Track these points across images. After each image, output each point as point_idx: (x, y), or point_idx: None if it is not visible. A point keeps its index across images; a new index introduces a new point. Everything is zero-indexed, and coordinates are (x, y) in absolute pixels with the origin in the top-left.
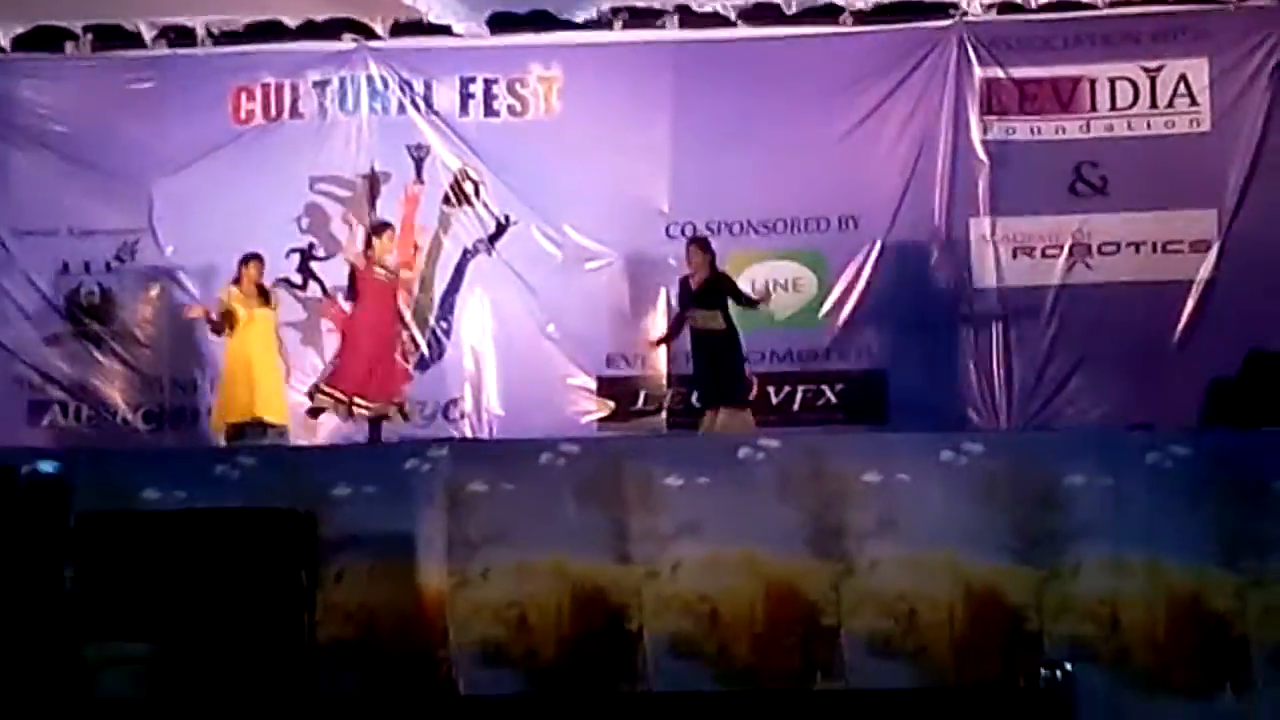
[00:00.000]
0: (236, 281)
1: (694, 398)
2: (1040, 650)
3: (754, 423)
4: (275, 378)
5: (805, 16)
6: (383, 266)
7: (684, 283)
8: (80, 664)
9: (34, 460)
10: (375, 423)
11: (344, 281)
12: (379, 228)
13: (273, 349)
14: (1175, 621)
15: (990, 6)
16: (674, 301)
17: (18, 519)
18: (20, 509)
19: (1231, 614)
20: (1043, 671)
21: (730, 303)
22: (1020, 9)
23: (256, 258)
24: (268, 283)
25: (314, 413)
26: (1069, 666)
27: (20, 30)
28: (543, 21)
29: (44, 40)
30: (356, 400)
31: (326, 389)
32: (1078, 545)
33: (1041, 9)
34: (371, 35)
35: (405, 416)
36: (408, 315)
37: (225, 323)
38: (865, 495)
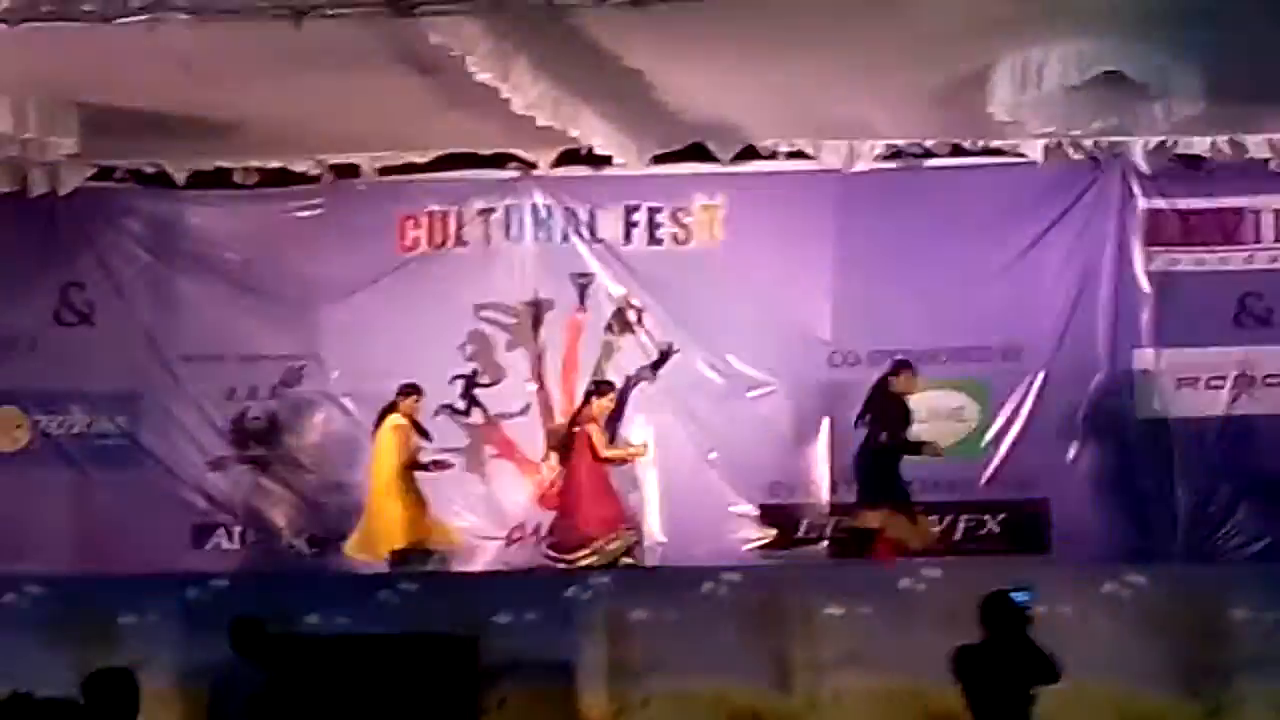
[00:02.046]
0: (392, 409)
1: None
2: None
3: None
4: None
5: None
6: (592, 420)
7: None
8: None
9: None
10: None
11: (508, 408)
12: (602, 387)
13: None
14: None
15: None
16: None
17: None
18: None
19: None
20: None
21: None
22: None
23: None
24: (432, 408)
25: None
26: None
27: (192, 169)
28: (705, 153)
29: (214, 177)
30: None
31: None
32: (1243, 679)
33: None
34: (534, 167)
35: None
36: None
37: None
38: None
